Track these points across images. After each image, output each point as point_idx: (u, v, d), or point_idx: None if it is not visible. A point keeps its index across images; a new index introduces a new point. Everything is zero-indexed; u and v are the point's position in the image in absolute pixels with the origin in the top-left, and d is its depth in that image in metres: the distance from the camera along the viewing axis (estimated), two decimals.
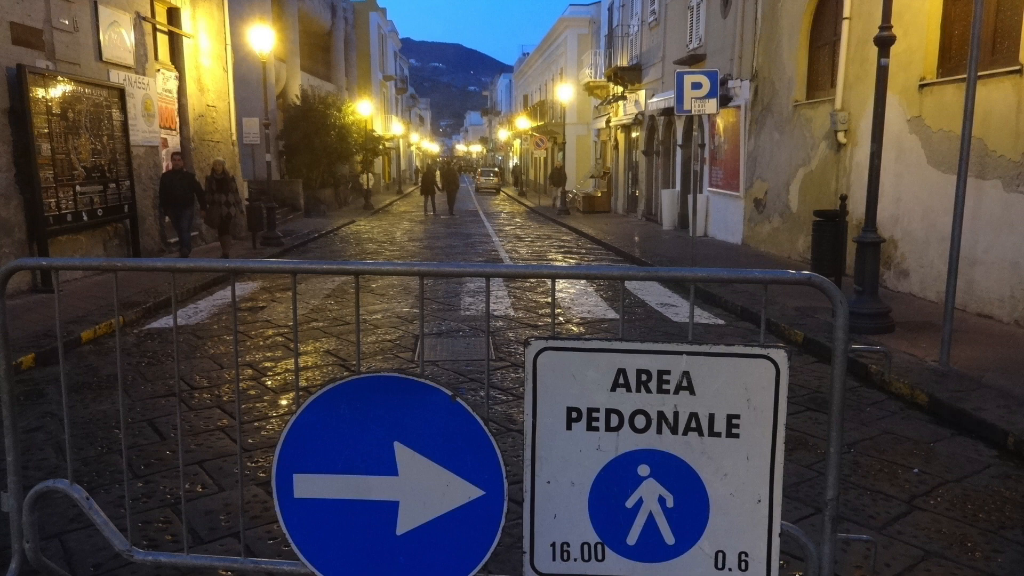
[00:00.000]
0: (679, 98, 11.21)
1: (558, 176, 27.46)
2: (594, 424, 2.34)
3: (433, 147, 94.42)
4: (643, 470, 2.35)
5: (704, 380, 2.29)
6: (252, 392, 5.78)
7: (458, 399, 2.40)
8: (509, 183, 54.18)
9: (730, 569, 2.33)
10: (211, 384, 5.98)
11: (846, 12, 10.56)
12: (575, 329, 8.04)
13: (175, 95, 14.42)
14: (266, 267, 2.79)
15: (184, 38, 14.52)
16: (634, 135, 24.45)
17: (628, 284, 9.90)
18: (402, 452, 2.42)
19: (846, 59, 10.59)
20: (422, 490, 2.43)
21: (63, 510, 3.71)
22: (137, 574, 3.19)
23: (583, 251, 15.87)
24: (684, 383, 2.30)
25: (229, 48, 16.90)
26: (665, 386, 2.30)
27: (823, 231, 8.86)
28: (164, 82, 13.89)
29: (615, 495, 2.36)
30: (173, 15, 14.31)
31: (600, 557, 2.38)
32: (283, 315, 8.71)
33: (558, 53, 38.95)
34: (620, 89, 24.58)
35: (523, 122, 45.82)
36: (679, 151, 18.99)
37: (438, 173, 31.71)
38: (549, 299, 9.49)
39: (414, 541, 2.44)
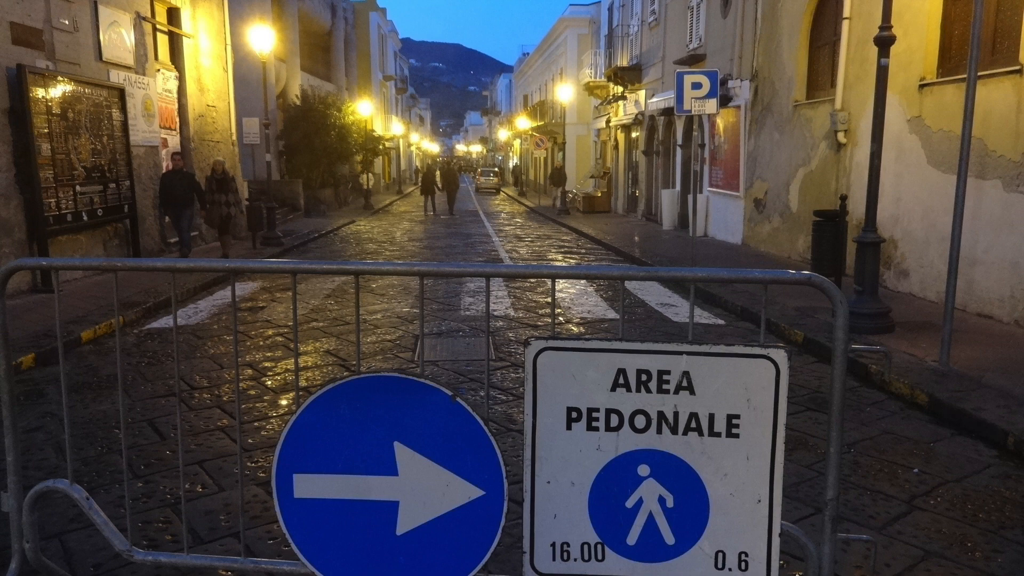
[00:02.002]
0: (679, 98, 11.21)
1: (558, 176, 27.46)
2: (594, 424, 2.34)
3: (433, 147, 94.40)
4: (643, 470, 2.35)
5: (704, 380, 2.29)
6: (252, 392, 5.78)
7: (458, 399, 2.40)
8: (509, 183, 54.18)
9: (730, 569, 2.33)
10: (211, 384, 5.98)
11: (846, 12, 10.56)
12: (575, 329, 8.04)
13: (175, 95, 14.42)
14: (266, 267, 2.79)
15: (184, 38, 14.52)
16: (634, 135, 24.45)
17: (628, 284, 9.90)
18: (402, 452, 2.42)
19: (846, 59, 10.59)
20: (422, 490, 2.43)
21: (63, 510, 3.71)
22: (137, 574, 3.19)
23: (583, 251, 15.87)
24: (684, 383, 2.30)
25: (229, 48, 16.90)
26: (665, 386, 2.30)
27: (823, 231, 8.86)
28: (164, 82, 13.89)
29: (615, 495, 2.36)
30: (173, 15, 14.31)
31: (600, 557, 2.38)
32: (283, 315, 8.71)
33: (558, 53, 38.95)
34: (620, 89, 24.58)
35: (523, 122, 45.82)
36: (679, 151, 18.99)
37: (438, 173, 31.71)
38: (549, 299, 9.49)
39: (414, 541, 2.44)
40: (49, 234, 9.76)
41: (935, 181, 8.65)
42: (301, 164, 24.84)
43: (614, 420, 2.34)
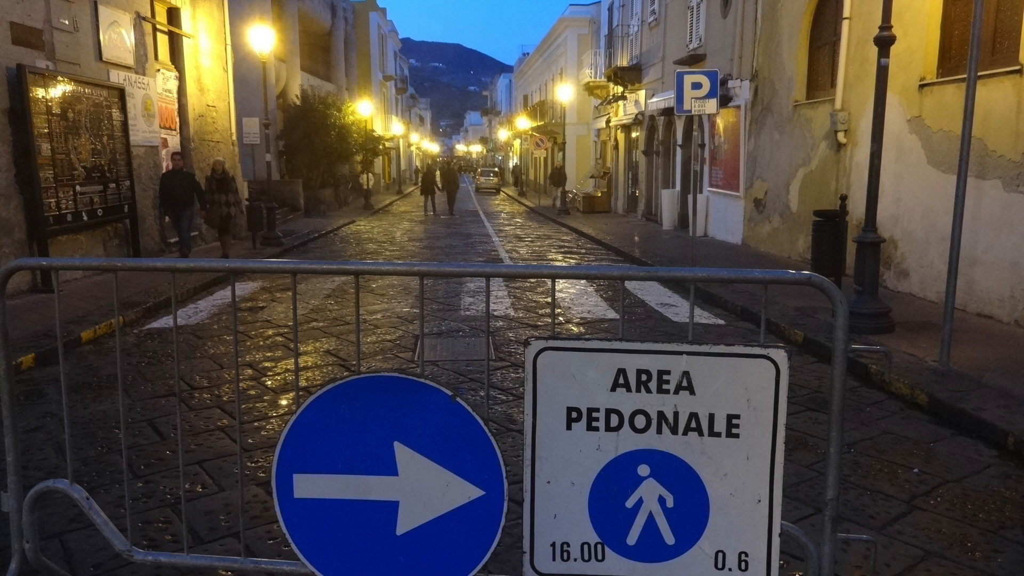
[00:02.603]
0: (679, 98, 11.21)
1: (558, 176, 27.47)
2: (594, 424, 2.34)
3: (433, 147, 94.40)
4: (643, 470, 2.35)
5: (704, 380, 2.29)
6: (252, 392, 5.78)
7: (458, 399, 2.40)
8: (509, 183, 54.19)
9: (730, 569, 2.33)
10: (211, 384, 5.98)
11: (846, 12, 10.56)
12: (575, 329, 8.03)
13: (175, 95, 14.43)
14: (266, 267, 2.79)
15: (184, 38, 14.52)
16: (634, 135, 24.45)
17: (628, 284, 9.90)
18: (402, 452, 2.42)
19: (846, 59, 10.59)
20: (422, 490, 2.43)
21: (63, 510, 3.71)
22: (137, 574, 3.19)
23: (583, 251, 15.87)
24: (684, 383, 2.30)
25: (229, 48, 16.90)
26: (665, 386, 2.30)
27: (823, 231, 8.86)
28: (164, 82, 13.89)
29: (615, 495, 2.36)
30: (173, 15, 14.32)
31: (600, 557, 2.38)
32: (283, 315, 8.71)
33: (558, 53, 38.95)
34: (620, 89, 24.58)
35: (523, 122, 45.82)
36: (679, 151, 18.99)
37: (438, 173, 31.71)
38: (549, 299, 9.49)
39: (414, 541, 2.44)
40: (49, 234, 9.76)
41: (935, 181, 8.65)
42: (301, 164, 24.84)
43: (614, 420, 2.33)
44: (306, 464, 2.47)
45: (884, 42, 6.84)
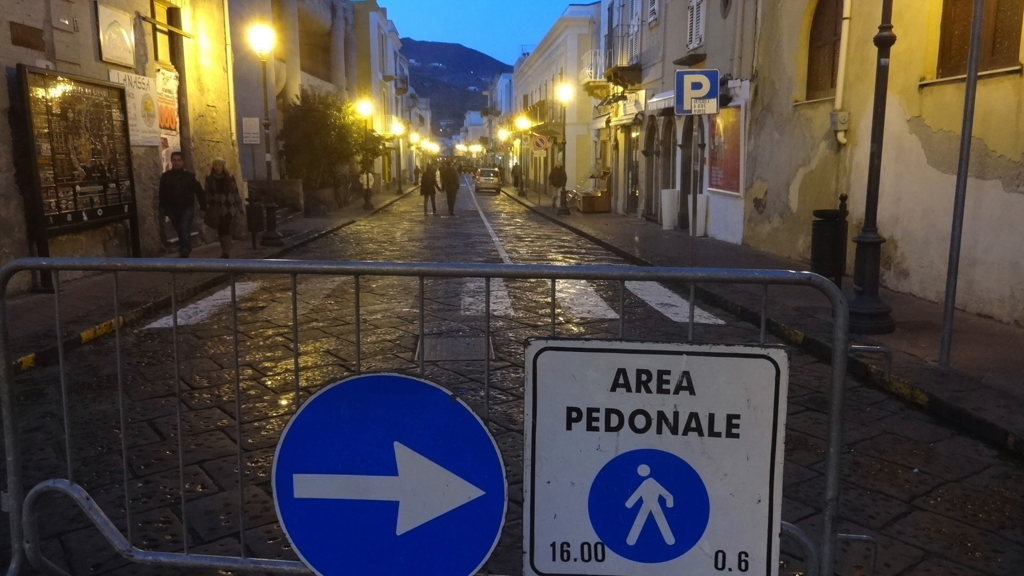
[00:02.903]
0: (679, 98, 11.21)
1: (558, 176, 27.47)
2: (594, 424, 2.34)
3: (433, 147, 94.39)
4: (643, 470, 2.35)
5: (704, 380, 2.29)
6: (252, 392, 5.78)
7: (458, 399, 2.40)
8: (509, 183, 54.20)
9: (730, 569, 2.33)
10: (211, 384, 5.98)
11: (846, 12, 10.56)
12: (575, 329, 8.03)
13: (175, 95, 14.43)
14: (266, 267, 2.79)
15: (184, 38, 14.52)
16: (634, 135, 24.45)
17: (628, 284, 9.90)
18: (402, 452, 2.42)
19: (846, 59, 10.59)
20: (422, 490, 2.43)
21: (63, 510, 3.71)
22: (137, 574, 3.19)
23: (583, 251, 15.87)
24: (684, 383, 2.30)
25: (229, 48, 16.90)
26: (665, 386, 2.30)
27: (823, 231, 8.86)
28: (164, 82, 13.89)
29: (615, 495, 2.36)
30: (173, 15, 14.32)
31: (600, 557, 2.38)
32: (283, 315, 8.71)
33: (558, 53, 38.95)
34: (620, 89, 24.58)
35: (523, 122, 45.83)
36: (679, 151, 18.99)
37: (438, 173, 31.72)
38: (549, 299, 9.49)
39: (414, 541, 2.44)
40: (49, 234, 9.76)
41: (935, 181, 8.65)
42: (301, 164, 24.84)
43: (614, 420, 2.33)
44: (306, 464, 2.47)
45: (884, 42, 6.84)
